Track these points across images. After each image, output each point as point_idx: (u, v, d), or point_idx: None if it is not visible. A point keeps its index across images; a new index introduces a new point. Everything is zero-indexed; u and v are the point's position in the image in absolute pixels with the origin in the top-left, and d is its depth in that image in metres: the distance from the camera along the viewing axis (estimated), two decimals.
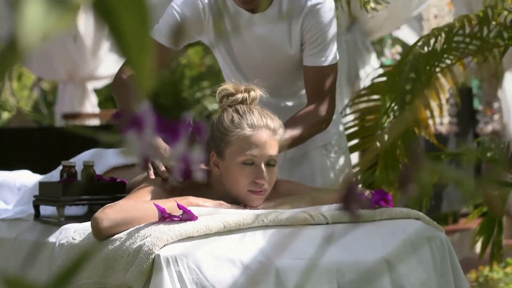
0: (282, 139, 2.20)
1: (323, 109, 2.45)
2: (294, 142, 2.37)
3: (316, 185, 2.58)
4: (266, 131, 2.15)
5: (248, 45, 2.48)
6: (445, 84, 3.31)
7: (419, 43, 3.22)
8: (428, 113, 3.32)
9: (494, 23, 3.04)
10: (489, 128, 6.96)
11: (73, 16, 0.56)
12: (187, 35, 2.44)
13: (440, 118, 6.59)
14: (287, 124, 2.34)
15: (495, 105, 6.91)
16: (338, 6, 2.99)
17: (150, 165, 2.23)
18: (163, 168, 2.21)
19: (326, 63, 2.46)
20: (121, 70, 2.49)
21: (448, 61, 3.23)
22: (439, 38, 3.12)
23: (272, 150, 2.15)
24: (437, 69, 3.25)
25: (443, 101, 3.35)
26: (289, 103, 2.58)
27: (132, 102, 2.39)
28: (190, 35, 2.49)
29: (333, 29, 2.46)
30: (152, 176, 2.22)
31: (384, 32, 5.67)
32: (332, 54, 2.47)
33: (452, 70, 3.24)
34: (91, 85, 7.05)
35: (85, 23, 6.36)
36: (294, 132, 2.36)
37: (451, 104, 6.79)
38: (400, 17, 5.42)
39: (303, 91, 2.56)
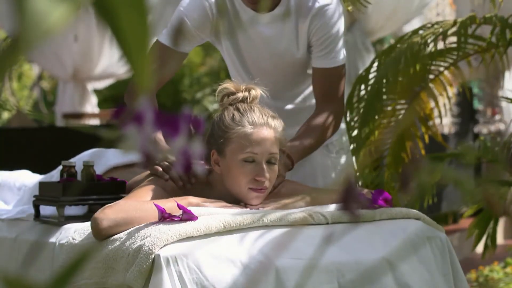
0: (283, 138, 2.21)
1: (332, 115, 2.46)
2: (309, 151, 2.40)
3: (317, 185, 2.58)
4: (267, 129, 2.15)
5: (255, 44, 2.48)
6: (445, 85, 3.31)
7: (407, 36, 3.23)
8: (432, 112, 3.32)
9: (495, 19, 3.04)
10: (489, 128, 6.96)
11: (73, 15, 0.56)
12: (187, 34, 2.44)
13: (442, 117, 6.60)
14: (300, 134, 2.37)
15: (496, 105, 6.92)
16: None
17: (157, 167, 2.21)
18: (174, 173, 2.19)
19: (335, 64, 2.47)
20: (132, 82, 2.49)
21: (450, 61, 3.23)
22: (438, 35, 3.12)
23: (273, 148, 2.15)
24: (440, 68, 3.25)
25: (443, 101, 3.35)
26: (289, 106, 2.58)
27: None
28: (200, 37, 2.48)
29: (340, 30, 2.46)
30: (167, 177, 2.21)
31: (384, 32, 5.67)
32: (340, 55, 2.48)
33: (457, 68, 3.24)
34: (91, 85, 7.05)
35: (86, 22, 6.36)
36: (308, 141, 2.38)
37: (453, 103, 6.79)
38: (401, 18, 5.42)
39: (304, 95, 2.57)
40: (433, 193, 3.25)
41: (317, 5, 2.41)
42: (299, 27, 2.44)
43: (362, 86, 3.32)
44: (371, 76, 3.31)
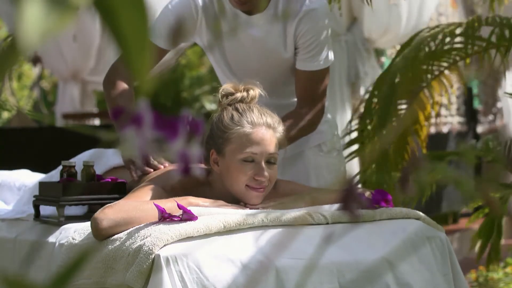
0: (282, 137, 2.21)
1: (312, 113, 2.47)
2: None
3: (310, 184, 2.59)
4: (266, 128, 2.16)
5: (243, 47, 2.50)
6: (445, 85, 3.31)
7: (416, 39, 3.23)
8: (427, 113, 3.32)
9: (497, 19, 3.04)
10: (490, 128, 6.96)
11: (72, 16, 0.56)
12: (186, 34, 2.45)
13: (444, 116, 6.60)
14: None
15: (496, 105, 6.92)
16: (336, 6, 2.99)
17: (131, 165, 2.28)
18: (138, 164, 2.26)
19: (319, 68, 2.48)
20: (113, 69, 2.50)
21: (450, 61, 3.23)
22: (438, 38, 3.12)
23: (272, 147, 2.16)
24: (440, 69, 3.25)
25: (444, 100, 3.35)
26: (284, 102, 2.59)
27: (121, 102, 2.42)
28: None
29: (327, 34, 2.48)
30: (135, 177, 2.27)
31: (380, 45, 5.64)
32: (325, 58, 2.49)
33: (457, 69, 3.24)
34: (92, 86, 7.05)
35: (88, 23, 6.35)
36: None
37: (460, 102, 6.80)
38: (401, 37, 5.36)
39: (292, 93, 2.58)
40: (432, 191, 3.24)
41: (304, 8, 2.42)
42: (287, 29, 2.46)
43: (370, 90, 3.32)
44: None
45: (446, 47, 3.15)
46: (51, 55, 6.59)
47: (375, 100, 3.25)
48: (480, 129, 7.05)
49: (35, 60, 6.53)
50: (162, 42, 2.42)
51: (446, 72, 3.27)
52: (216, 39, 2.51)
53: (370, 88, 3.38)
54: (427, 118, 3.32)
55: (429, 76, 3.25)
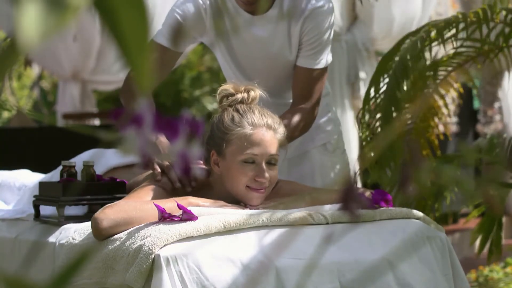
0: (283, 138, 2.21)
1: (308, 112, 2.47)
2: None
3: (315, 184, 2.58)
4: (267, 130, 2.16)
5: (248, 46, 2.49)
6: (445, 86, 3.31)
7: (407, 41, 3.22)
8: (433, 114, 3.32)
9: (496, 21, 3.03)
10: (490, 128, 6.96)
11: (72, 16, 0.56)
12: (187, 35, 2.45)
13: (444, 118, 6.59)
14: None
15: (496, 105, 6.92)
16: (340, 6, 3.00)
17: (156, 166, 2.21)
18: (173, 174, 2.20)
19: (320, 66, 2.48)
20: (128, 77, 2.50)
21: (454, 64, 3.23)
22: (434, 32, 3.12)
23: (273, 148, 2.16)
24: (442, 73, 3.25)
25: (446, 102, 3.35)
26: (288, 101, 2.59)
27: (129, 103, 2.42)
28: (192, 36, 2.50)
29: (330, 33, 2.48)
30: (159, 177, 2.20)
31: (381, 46, 5.64)
32: (325, 58, 2.49)
33: (460, 70, 3.24)
34: (92, 85, 7.04)
35: (88, 23, 6.34)
36: None
37: (455, 104, 6.79)
38: (397, 36, 5.36)
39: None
40: (452, 194, 3.25)
41: (309, 7, 2.43)
42: (292, 30, 2.45)
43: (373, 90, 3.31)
44: (382, 79, 3.30)
45: (441, 52, 3.15)
46: (51, 55, 6.58)
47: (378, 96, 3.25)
48: (481, 128, 7.04)
49: (26, 63, 6.50)
50: (169, 43, 2.41)
51: (449, 74, 3.27)
52: (218, 37, 2.51)
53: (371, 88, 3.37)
54: (437, 118, 3.32)
55: (433, 81, 3.25)
